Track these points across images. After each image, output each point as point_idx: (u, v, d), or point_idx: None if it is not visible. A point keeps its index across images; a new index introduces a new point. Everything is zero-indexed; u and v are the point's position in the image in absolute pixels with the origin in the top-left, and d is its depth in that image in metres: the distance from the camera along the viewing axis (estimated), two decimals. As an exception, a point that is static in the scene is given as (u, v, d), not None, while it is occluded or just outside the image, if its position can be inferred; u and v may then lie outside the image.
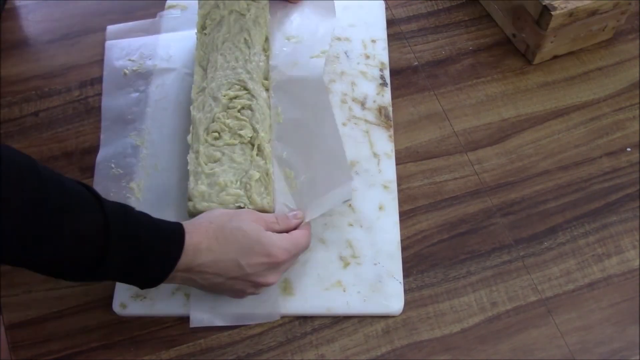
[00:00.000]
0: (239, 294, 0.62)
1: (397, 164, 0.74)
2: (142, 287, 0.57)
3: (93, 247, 0.51)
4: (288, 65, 0.74)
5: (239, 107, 0.68)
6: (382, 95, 0.79)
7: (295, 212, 0.65)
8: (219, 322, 0.64)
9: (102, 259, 0.52)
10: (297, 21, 0.79)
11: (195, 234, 0.57)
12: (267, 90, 0.70)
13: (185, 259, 0.56)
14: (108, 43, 0.83)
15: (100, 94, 0.80)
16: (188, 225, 0.58)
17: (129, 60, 0.81)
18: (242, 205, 0.62)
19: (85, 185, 0.54)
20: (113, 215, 0.52)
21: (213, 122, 0.67)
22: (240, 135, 0.66)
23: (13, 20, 0.87)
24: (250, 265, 0.58)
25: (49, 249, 0.50)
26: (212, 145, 0.66)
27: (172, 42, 0.82)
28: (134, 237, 0.54)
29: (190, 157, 0.65)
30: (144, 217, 0.56)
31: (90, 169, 0.74)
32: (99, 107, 0.78)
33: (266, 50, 0.73)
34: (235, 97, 0.69)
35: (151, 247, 0.54)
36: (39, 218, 0.48)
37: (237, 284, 0.60)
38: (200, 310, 0.64)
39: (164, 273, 0.56)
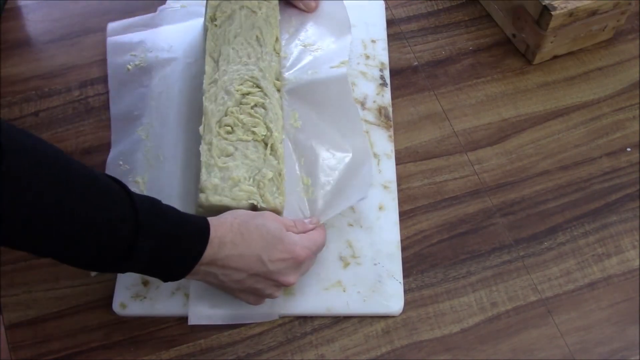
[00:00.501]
0: (258, 295, 0.62)
1: (397, 164, 0.74)
2: (165, 280, 0.57)
3: (121, 240, 0.52)
4: (307, 71, 0.74)
5: (252, 103, 0.67)
6: (382, 96, 0.79)
7: (310, 218, 0.65)
8: (217, 321, 0.64)
9: (130, 250, 0.52)
10: (313, 30, 0.79)
11: (220, 227, 0.57)
12: (278, 91, 0.70)
13: (210, 251, 0.56)
14: (109, 40, 0.83)
15: (100, 94, 0.80)
16: (213, 219, 0.58)
17: (131, 55, 0.81)
18: (254, 202, 0.62)
19: (114, 178, 0.55)
20: (142, 208, 0.53)
21: (226, 115, 0.66)
22: (253, 132, 0.65)
23: (13, 20, 0.87)
24: (272, 262, 0.59)
25: (78, 240, 0.50)
26: (225, 138, 0.65)
27: (172, 33, 0.82)
28: (162, 229, 0.54)
29: (203, 148, 0.65)
30: (171, 210, 0.56)
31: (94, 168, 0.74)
32: (99, 107, 0.78)
33: (277, 51, 0.73)
34: (248, 94, 0.68)
35: (178, 239, 0.55)
36: (69, 210, 0.49)
37: (258, 282, 0.60)
38: (199, 308, 0.64)
39: (189, 264, 0.56)
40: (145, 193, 0.69)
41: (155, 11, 0.85)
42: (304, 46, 0.77)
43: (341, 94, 0.72)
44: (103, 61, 0.82)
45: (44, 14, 0.88)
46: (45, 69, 0.83)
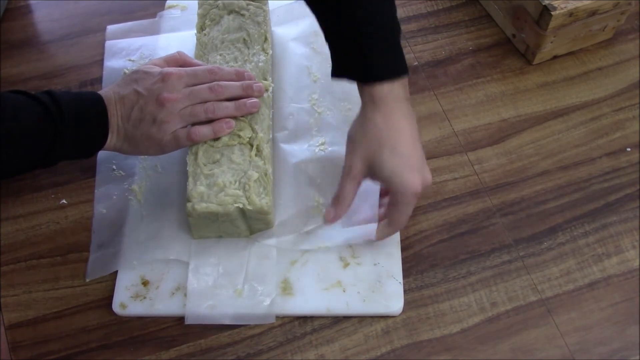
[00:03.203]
0: (152, 123, 0.64)
1: (397, 164, 0.74)
2: (89, 154, 0.64)
3: (47, 132, 0.60)
4: (340, 101, 0.77)
5: None
6: (382, 95, 0.79)
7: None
8: (214, 321, 0.64)
9: (57, 134, 0.60)
10: None
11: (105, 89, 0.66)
12: (266, 90, 0.70)
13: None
14: (108, 43, 0.83)
15: (100, 94, 0.80)
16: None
17: (129, 60, 0.81)
18: (240, 205, 0.63)
19: (14, 90, 0.61)
20: (49, 102, 0.60)
21: None
22: (239, 136, 0.67)
23: (13, 20, 0.88)
24: (145, 87, 0.64)
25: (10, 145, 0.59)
26: (211, 146, 0.66)
27: (172, 43, 0.82)
28: (73, 109, 0.61)
29: (189, 158, 0.66)
30: (65, 93, 0.63)
31: (90, 169, 0.74)
32: (99, 107, 0.78)
33: (266, 50, 0.73)
34: None
35: (86, 111, 0.62)
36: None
37: (142, 102, 0.64)
38: (196, 308, 0.64)
39: (106, 123, 0.63)
40: (142, 202, 0.71)
41: (154, 15, 0.86)
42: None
43: None
44: (103, 62, 0.82)
45: (44, 14, 0.88)
46: (45, 69, 0.83)
